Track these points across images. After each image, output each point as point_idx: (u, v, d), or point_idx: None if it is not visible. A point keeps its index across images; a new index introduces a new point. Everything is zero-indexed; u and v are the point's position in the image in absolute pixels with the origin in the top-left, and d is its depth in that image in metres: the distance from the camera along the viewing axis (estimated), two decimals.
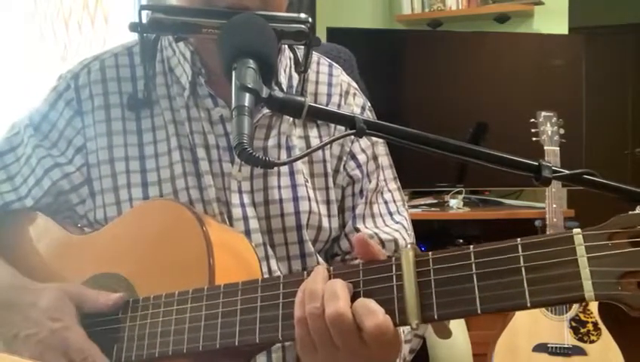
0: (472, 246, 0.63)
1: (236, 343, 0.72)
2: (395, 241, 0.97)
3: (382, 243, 0.96)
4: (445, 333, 0.67)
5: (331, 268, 0.70)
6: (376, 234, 0.97)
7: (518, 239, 0.61)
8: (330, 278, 0.69)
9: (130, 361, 0.78)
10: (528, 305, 0.59)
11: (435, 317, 0.63)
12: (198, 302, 0.75)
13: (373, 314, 0.65)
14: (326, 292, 0.66)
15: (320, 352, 0.68)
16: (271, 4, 0.86)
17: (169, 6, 0.84)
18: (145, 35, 0.89)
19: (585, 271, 0.57)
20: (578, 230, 0.59)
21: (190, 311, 0.75)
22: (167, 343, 0.75)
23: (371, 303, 0.66)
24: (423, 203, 3.14)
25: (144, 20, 0.83)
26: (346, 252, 0.99)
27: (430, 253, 0.65)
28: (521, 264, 0.60)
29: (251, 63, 0.73)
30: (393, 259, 0.67)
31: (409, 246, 0.66)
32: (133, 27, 0.84)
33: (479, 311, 0.61)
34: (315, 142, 0.98)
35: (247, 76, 0.71)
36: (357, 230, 0.97)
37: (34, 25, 2.21)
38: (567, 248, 0.59)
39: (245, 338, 0.71)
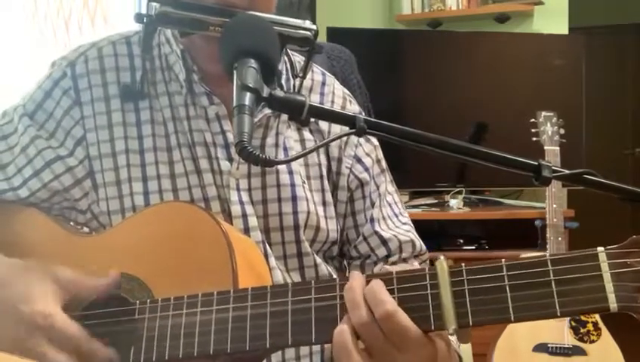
0: (503, 260, 0.68)
1: (267, 345, 0.72)
2: (412, 242, 1.01)
3: (400, 244, 1.00)
4: (466, 338, 0.70)
5: (365, 275, 0.72)
6: (394, 236, 1.00)
7: (547, 254, 0.67)
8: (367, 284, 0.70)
9: None
10: (558, 314, 0.65)
11: (470, 323, 0.67)
12: (225, 304, 0.74)
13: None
14: (367, 297, 0.68)
15: (377, 359, 0.69)
16: (259, 2, 0.86)
17: (177, 1, 0.83)
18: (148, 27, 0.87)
19: (609, 286, 0.64)
20: (602, 248, 0.66)
21: (216, 313, 0.74)
22: (191, 344, 0.74)
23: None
24: (423, 203, 3.14)
25: (152, 13, 0.82)
26: (366, 256, 1.01)
27: (463, 264, 0.69)
28: (551, 277, 0.66)
29: (252, 63, 0.73)
30: (427, 269, 0.70)
31: (442, 257, 0.70)
32: (139, 18, 0.84)
33: (512, 319, 0.66)
34: (310, 145, 0.99)
35: (249, 76, 0.72)
36: (377, 233, 1.00)
37: (34, 25, 2.21)
38: (592, 264, 0.65)
39: (276, 340, 0.72)
